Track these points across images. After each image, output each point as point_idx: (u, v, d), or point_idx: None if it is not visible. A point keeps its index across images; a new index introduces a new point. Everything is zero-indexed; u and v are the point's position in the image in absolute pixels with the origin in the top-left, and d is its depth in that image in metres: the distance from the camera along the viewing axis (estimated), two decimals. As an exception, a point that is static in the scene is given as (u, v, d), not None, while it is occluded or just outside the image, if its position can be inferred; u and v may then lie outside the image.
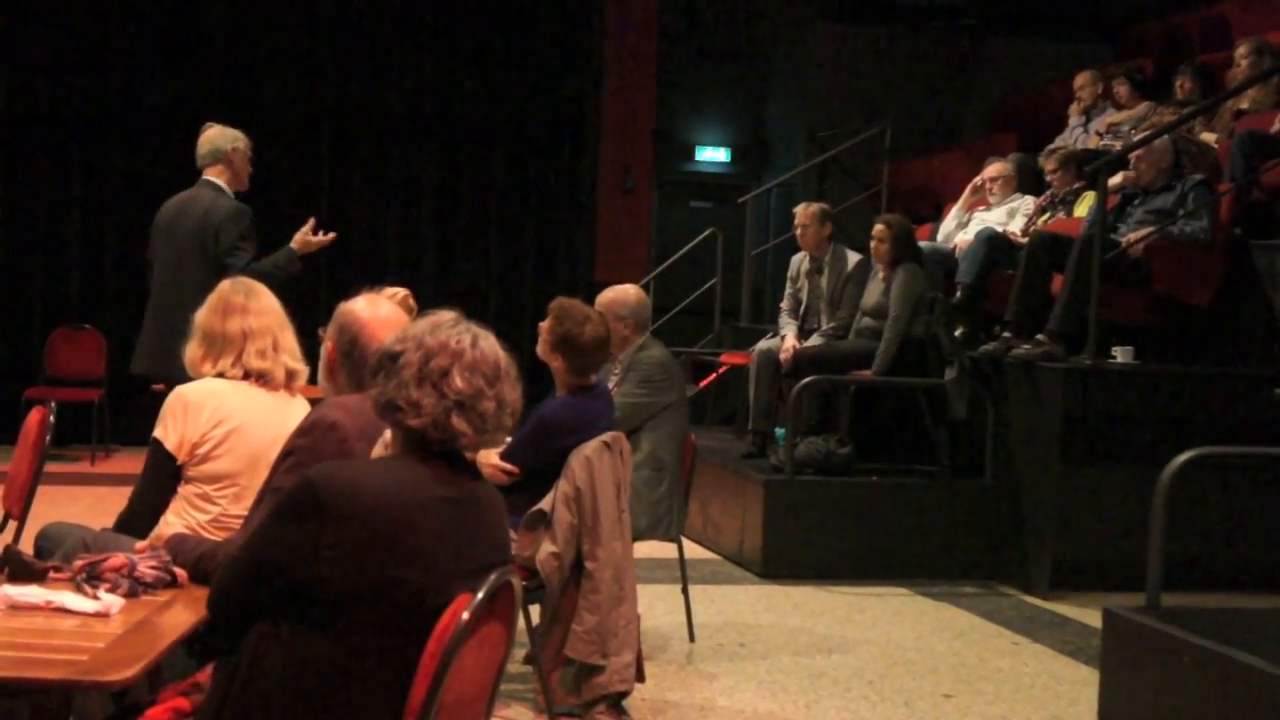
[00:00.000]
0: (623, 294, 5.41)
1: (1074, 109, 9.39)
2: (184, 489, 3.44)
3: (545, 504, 4.37)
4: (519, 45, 11.25)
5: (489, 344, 2.43)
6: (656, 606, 5.88)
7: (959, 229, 8.37)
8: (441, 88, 11.12)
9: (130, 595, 2.68)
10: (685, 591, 5.55)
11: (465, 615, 2.18)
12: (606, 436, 4.43)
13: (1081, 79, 9.34)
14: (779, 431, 7.30)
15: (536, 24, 11.30)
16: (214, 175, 6.03)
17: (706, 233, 10.60)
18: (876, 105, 11.47)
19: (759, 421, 7.75)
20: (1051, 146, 8.58)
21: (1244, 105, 7.95)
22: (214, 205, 5.89)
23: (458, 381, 2.36)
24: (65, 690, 2.30)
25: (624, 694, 4.41)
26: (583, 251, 11.54)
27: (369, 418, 2.61)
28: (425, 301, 3.59)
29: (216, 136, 6.07)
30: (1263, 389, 6.65)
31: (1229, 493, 6.71)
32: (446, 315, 2.46)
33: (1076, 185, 7.94)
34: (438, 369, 2.36)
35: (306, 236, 6.04)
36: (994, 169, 8.42)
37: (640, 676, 4.57)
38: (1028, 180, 8.58)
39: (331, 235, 6.13)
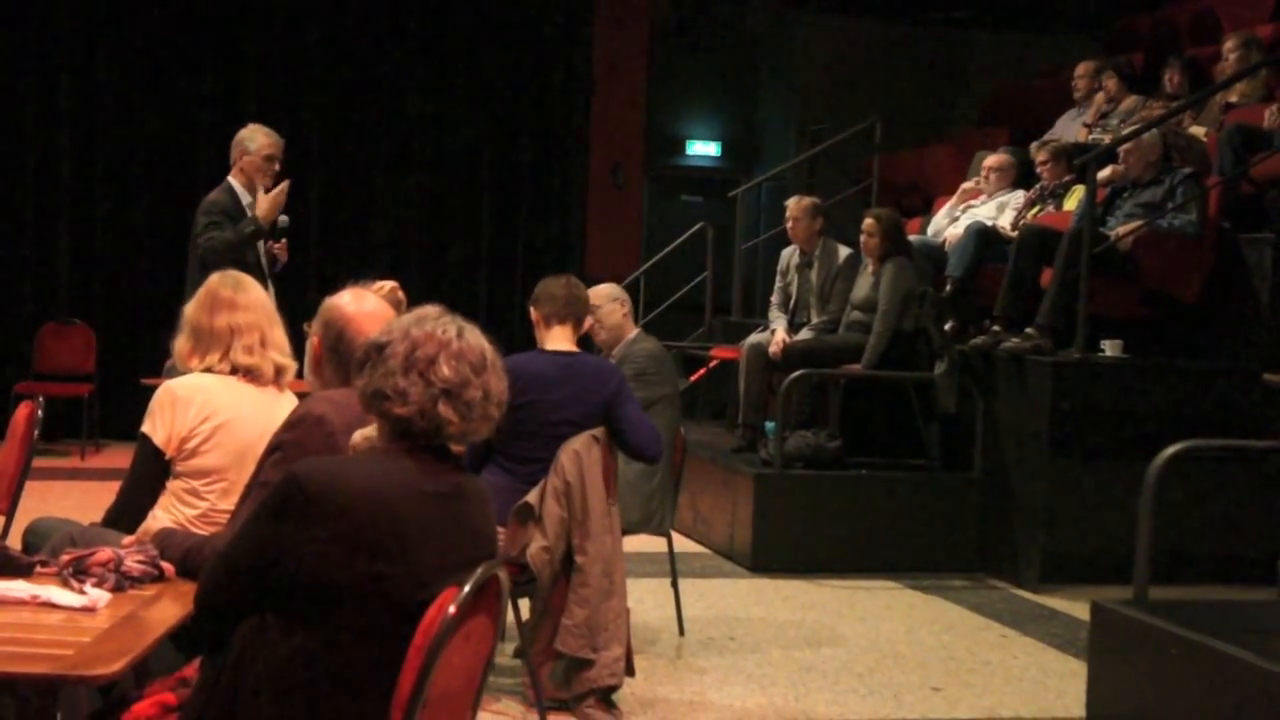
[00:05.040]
0: (606, 286, 5.53)
1: (1091, 97, 9.17)
2: (172, 484, 3.43)
3: (533, 498, 4.38)
4: (509, 39, 11.22)
5: (474, 336, 2.44)
6: (646, 600, 5.88)
7: (950, 223, 8.37)
8: (431, 82, 11.08)
9: (117, 590, 2.67)
10: (675, 585, 5.55)
11: (451, 609, 2.18)
12: (596, 430, 4.44)
13: (1083, 68, 9.27)
14: (769, 425, 7.30)
15: (526, 18, 11.28)
16: (232, 176, 6.18)
17: (697, 227, 10.60)
18: (866, 99, 11.48)
19: (749, 415, 7.76)
20: (1044, 138, 8.57)
21: (1233, 98, 7.97)
22: (204, 200, 6.04)
23: (444, 370, 2.36)
24: (51, 685, 2.29)
25: (614, 688, 4.41)
26: (573, 246, 11.52)
27: (356, 412, 2.61)
28: (415, 296, 3.59)
29: (237, 139, 6.19)
30: (1251, 381, 6.66)
31: (1217, 486, 6.72)
32: (432, 309, 2.47)
33: (1066, 179, 7.94)
34: (424, 357, 2.37)
35: (266, 197, 6.06)
36: (994, 159, 8.39)
37: (630, 670, 4.57)
38: (1019, 174, 8.57)
39: (285, 183, 6.09)
